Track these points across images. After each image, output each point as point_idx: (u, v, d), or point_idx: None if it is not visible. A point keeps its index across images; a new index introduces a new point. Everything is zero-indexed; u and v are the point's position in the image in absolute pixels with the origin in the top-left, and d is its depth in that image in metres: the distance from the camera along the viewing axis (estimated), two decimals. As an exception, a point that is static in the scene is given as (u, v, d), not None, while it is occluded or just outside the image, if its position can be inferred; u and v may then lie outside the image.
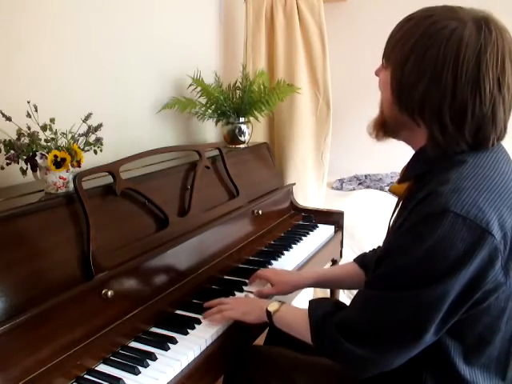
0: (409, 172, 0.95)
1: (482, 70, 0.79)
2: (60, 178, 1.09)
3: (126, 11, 1.68)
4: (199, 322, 1.14)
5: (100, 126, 1.19)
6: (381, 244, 1.10)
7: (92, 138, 1.18)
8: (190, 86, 1.89)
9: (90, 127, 1.17)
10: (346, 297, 2.26)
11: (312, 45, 2.14)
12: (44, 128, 1.11)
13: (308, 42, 2.14)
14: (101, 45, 1.58)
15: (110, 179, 1.18)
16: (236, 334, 1.14)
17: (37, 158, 1.09)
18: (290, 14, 2.12)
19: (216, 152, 1.59)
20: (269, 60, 2.19)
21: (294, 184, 2.03)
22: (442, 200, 0.77)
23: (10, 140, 1.08)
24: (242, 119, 1.91)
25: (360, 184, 2.80)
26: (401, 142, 0.97)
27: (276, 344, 1.24)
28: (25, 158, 1.09)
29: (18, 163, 1.10)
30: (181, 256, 1.27)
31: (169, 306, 1.19)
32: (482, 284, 0.77)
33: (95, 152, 1.18)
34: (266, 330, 1.30)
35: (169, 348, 1.03)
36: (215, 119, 1.95)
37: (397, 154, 1.06)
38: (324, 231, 1.85)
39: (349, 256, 2.11)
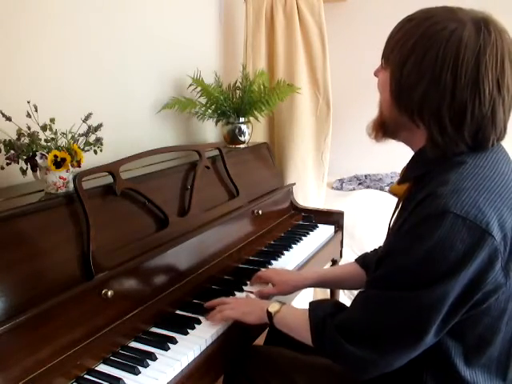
0: (408, 173, 0.95)
1: (481, 71, 0.79)
2: (60, 178, 1.09)
3: (126, 11, 1.68)
4: (199, 322, 1.14)
5: (100, 126, 1.19)
6: (381, 244, 1.10)
7: (92, 137, 1.18)
8: (190, 85, 1.89)
9: (89, 127, 1.17)
10: (346, 297, 2.26)
11: (312, 45, 2.14)
12: (44, 128, 1.11)
13: (308, 42, 2.14)
14: (101, 45, 1.58)
15: (110, 179, 1.18)
16: (236, 334, 1.14)
17: (37, 158, 1.09)
18: (290, 13, 2.11)
19: (216, 152, 1.59)
20: (269, 60, 2.19)
21: (294, 184, 2.03)
22: (442, 201, 0.77)
23: (9, 140, 1.08)
24: (242, 119, 1.91)
25: (360, 184, 2.80)
26: (401, 143, 0.97)
27: (276, 344, 1.24)
28: (25, 157, 1.09)
29: (18, 163, 1.10)
30: (181, 256, 1.27)
31: (169, 305, 1.19)
32: (482, 285, 0.77)
33: (95, 152, 1.18)
34: (266, 330, 1.30)
35: (169, 348, 1.03)
36: (215, 119, 1.95)
37: (397, 154, 1.06)
38: (324, 231, 1.85)
39: (349, 256, 2.11)
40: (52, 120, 1.12)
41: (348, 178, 2.92)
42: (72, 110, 1.25)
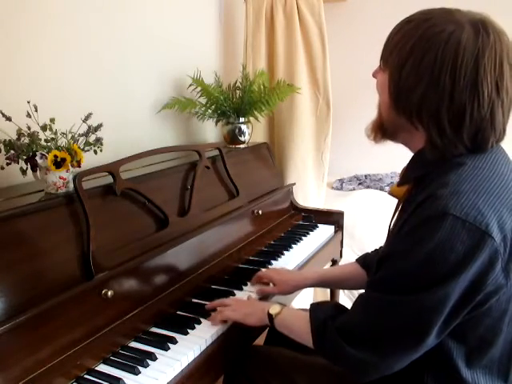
0: (408, 174, 0.95)
1: (479, 73, 0.79)
2: (60, 178, 1.09)
3: (126, 11, 1.68)
4: (199, 322, 1.14)
5: (100, 126, 1.19)
6: (382, 244, 1.10)
7: (92, 137, 1.18)
8: (190, 85, 1.89)
9: (89, 127, 1.17)
10: (346, 297, 2.25)
11: (312, 45, 2.14)
12: (44, 128, 1.11)
13: (308, 42, 2.14)
14: (101, 45, 1.58)
15: (110, 179, 1.18)
16: (236, 334, 1.14)
17: (37, 158, 1.09)
18: (290, 13, 2.11)
19: (216, 152, 1.59)
20: (269, 60, 2.19)
21: (294, 184, 2.03)
22: (442, 203, 0.77)
23: (9, 140, 1.08)
24: (242, 119, 1.91)
25: (360, 184, 2.80)
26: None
27: (276, 344, 1.24)
28: (25, 157, 1.09)
29: (18, 163, 1.10)
30: (181, 256, 1.27)
31: (169, 305, 1.19)
32: (482, 286, 0.77)
33: (95, 152, 1.18)
34: (266, 330, 1.30)
35: (169, 348, 1.03)
36: (215, 119, 1.95)
37: (397, 155, 1.06)
38: (324, 231, 1.85)
39: (349, 256, 2.11)
40: (52, 120, 1.12)
41: (348, 178, 2.92)
42: (72, 110, 1.25)
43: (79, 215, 1.07)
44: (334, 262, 1.93)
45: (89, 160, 1.17)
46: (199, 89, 1.89)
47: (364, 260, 1.27)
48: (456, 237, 0.75)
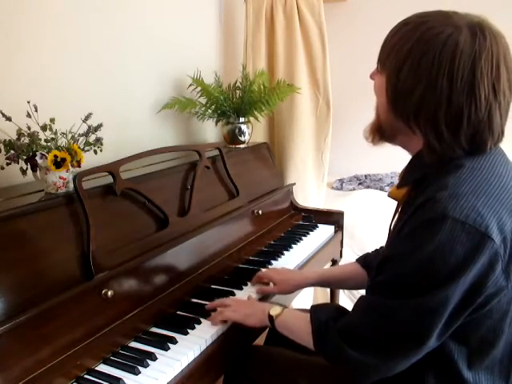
0: (407, 177, 0.95)
1: (476, 76, 0.78)
2: (60, 178, 1.09)
3: (126, 11, 1.68)
4: (199, 322, 1.14)
5: (100, 126, 1.19)
6: (382, 244, 1.10)
7: (92, 138, 1.18)
8: (190, 85, 1.89)
9: (89, 127, 1.17)
10: (346, 297, 2.25)
11: (312, 45, 2.14)
12: (44, 128, 1.11)
13: (308, 42, 2.14)
14: (101, 45, 1.58)
15: (110, 179, 1.18)
16: (236, 334, 1.14)
17: (37, 158, 1.09)
18: (290, 13, 2.11)
19: (216, 152, 1.59)
20: (269, 60, 2.19)
21: (294, 184, 2.03)
22: (441, 205, 0.77)
23: (10, 140, 1.08)
24: (242, 119, 1.91)
25: (360, 184, 2.80)
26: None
27: (276, 344, 1.24)
28: (25, 158, 1.09)
29: (18, 163, 1.10)
30: (181, 256, 1.27)
31: (169, 306, 1.19)
32: (483, 288, 0.77)
33: (95, 152, 1.18)
34: (267, 330, 1.30)
35: (169, 348, 1.03)
36: (215, 119, 1.95)
37: (397, 155, 1.06)
38: (324, 231, 1.85)
39: (349, 256, 2.11)
40: (52, 120, 1.12)
41: (348, 178, 2.92)
42: (72, 110, 1.25)
43: (79, 215, 1.07)
44: (334, 262, 1.93)
45: (89, 160, 1.17)
46: (199, 89, 1.89)
47: (364, 260, 1.27)
48: (456, 239, 0.75)
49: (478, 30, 0.80)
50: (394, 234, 0.91)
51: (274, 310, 1.07)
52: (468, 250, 0.75)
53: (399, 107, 0.86)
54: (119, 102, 1.67)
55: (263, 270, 1.41)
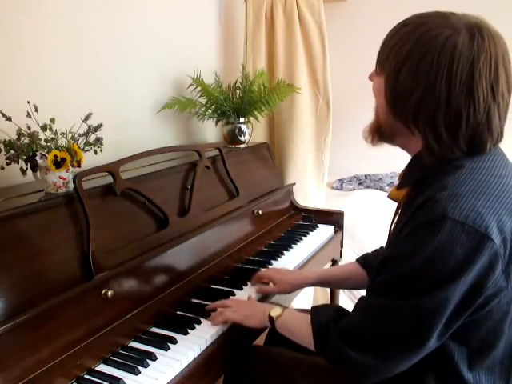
0: (406, 177, 0.95)
1: (475, 78, 0.78)
2: (60, 178, 1.09)
3: (126, 11, 1.67)
4: (199, 322, 1.14)
5: (100, 126, 1.19)
6: (382, 244, 1.10)
7: (92, 138, 1.18)
8: (190, 85, 1.89)
9: (89, 127, 1.17)
10: (346, 297, 2.26)
11: (312, 45, 2.14)
12: (44, 128, 1.11)
13: (308, 42, 2.14)
14: (101, 45, 1.58)
15: (110, 179, 1.18)
16: (236, 334, 1.14)
17: (37, 158, 1.09)
18: (290, 13, 2.11)
19: (216, 152, 1.59)
20: (269, 60, 2.19)
21: (294, 184, 2.03)
22: (440, 206, 0.77)
23: (9, 140, 1.08)
24: (242, 119, 1.91)
25: (360, 184, 2.80)
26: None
27: (276, 344, 1.24)
28: (25, 158, 1.09)
29: (18, 163, 1.10)
30: (181, 256, 1.27)
31: (169, 306, 1.19)
32: (483, 289, 0.77)
33: (95, 152, 1.18)
34: (267, 330, 1.30)
35: (169, 348, 1.03)
36: (215, 119, 1.95)
37: (397, 155, 1.06)
38: (324, 231, 1.85)
39: (349, 256, 2.11)
40: (52, 120, 1.12)
41: (348, 178, 2.92)
42: (72, 110, 1.25)
43: (79, 215, 1.07)
44: (334, 262, 1.93)
45: (89, 160, 1.17)
46: (199, 89, 1.89)
47: (364, 260, 1.27)
48: (455, 240, 0.75)
49: (477, 31, 0.80)
50: (394, 235, 0.91)
51: (275, 311, 1.07)
52: (468, 250, 0.75)
53: (398, 109, 0.86)
54: (119, 102, 1.67)
55: (263, 269, 1.41)
